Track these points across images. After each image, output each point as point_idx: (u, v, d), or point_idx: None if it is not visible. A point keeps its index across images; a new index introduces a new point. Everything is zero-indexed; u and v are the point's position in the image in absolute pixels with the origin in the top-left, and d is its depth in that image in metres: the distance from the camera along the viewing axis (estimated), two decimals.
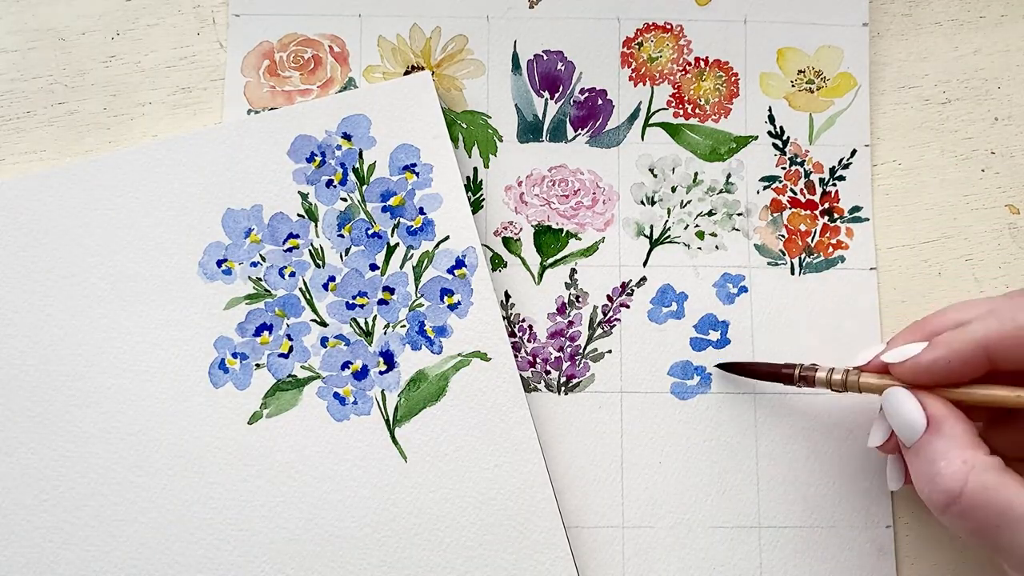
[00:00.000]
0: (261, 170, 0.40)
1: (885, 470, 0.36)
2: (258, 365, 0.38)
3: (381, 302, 0.39)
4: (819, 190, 0.42)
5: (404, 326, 0.39)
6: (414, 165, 0.40)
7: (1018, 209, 0.42)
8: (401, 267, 0.39)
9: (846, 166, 0.42)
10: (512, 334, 0.40)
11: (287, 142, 0.40)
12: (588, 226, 0.41)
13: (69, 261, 0.39)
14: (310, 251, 0.39)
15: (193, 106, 0.41)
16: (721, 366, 0.39)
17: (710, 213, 0.41)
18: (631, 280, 0.41)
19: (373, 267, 0.39)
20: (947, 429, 0.31)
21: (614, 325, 0.40)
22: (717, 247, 0.41)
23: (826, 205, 0.41)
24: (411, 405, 0.38)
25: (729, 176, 0.41)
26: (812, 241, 0.41)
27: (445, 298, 0.39)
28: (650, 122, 0.42)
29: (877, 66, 0.43)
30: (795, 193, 0.41)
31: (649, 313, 0.40)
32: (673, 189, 0.41)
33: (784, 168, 0.42)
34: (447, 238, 0.39)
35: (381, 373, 0.39)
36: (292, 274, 0.39)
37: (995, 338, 0.31)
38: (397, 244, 0.39)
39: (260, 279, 0.39)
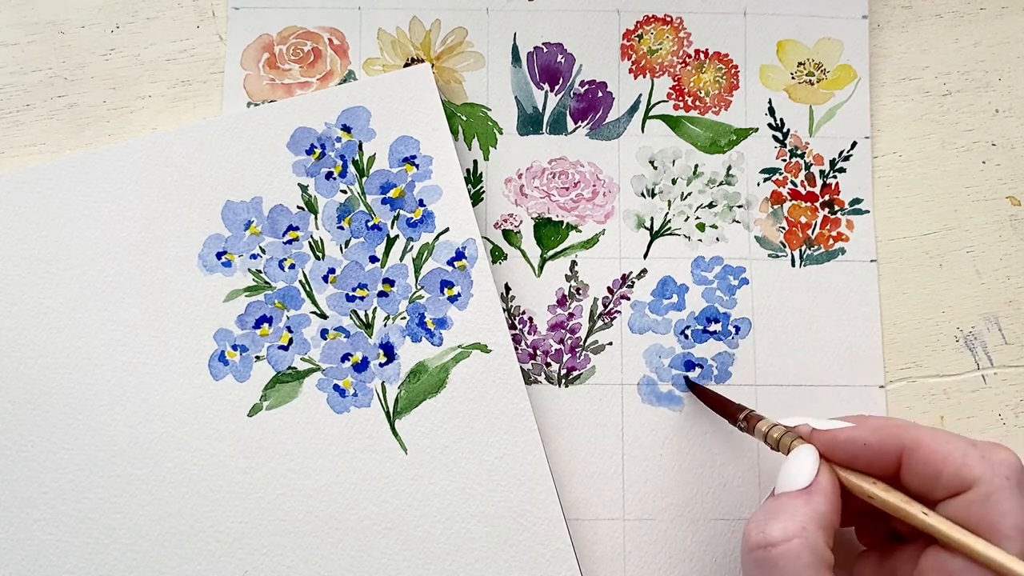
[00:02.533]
0: (261, 162, 0.40)
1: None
2: (258, 357, 0.38)
3: (381, 294, 0.39)
4: (819, 182, 0.41)
5: (404, 318, 0.39)
6: (414, 157, 0.40)
7: (1019, 201, 0.42)
8: (401, 259, 0.39)
9: (846, 158, 0.42)
10: (512, 326, 0.40)
11: (287, 134, 0.40)
12: (588, 218, 0.41)
13: (69, 254, 0.39)
14: (310, 243, 0.39)
15: (193, 99, 0.41)
16: (688, 383, 0.39)
17: (710, 205, 0.41)
18: (632, 272, 0.41)
19: (373, 259, 0.39)
20: (815, 501, 0.30)
21: (614, 317, 0.40)
22: (718, 239, 0.41)
23: (826, 197, 0.41)
24: (411, 397, 0.38)
25: (729, 168, 0.41)
26: (812, 233, 0.41)
27: (445, 290, 0.39)
28: (650, 114, 0.42)
29: (877, 58, 0.43)
30: (795, 185, 0.41)
31: (650, 305, 0.40)
32: (673, 181, 0.41)
33: (784, 160, 0.42)
34: (447, 230, 0.39)
35: (381, 365, 0.38)
36: (292, 266, 0.39)
37: (915, 444, 0.30)
38: (397, 236, 0.39)
39: (260, 271, 0.39)
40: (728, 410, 0.37)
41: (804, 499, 0.30)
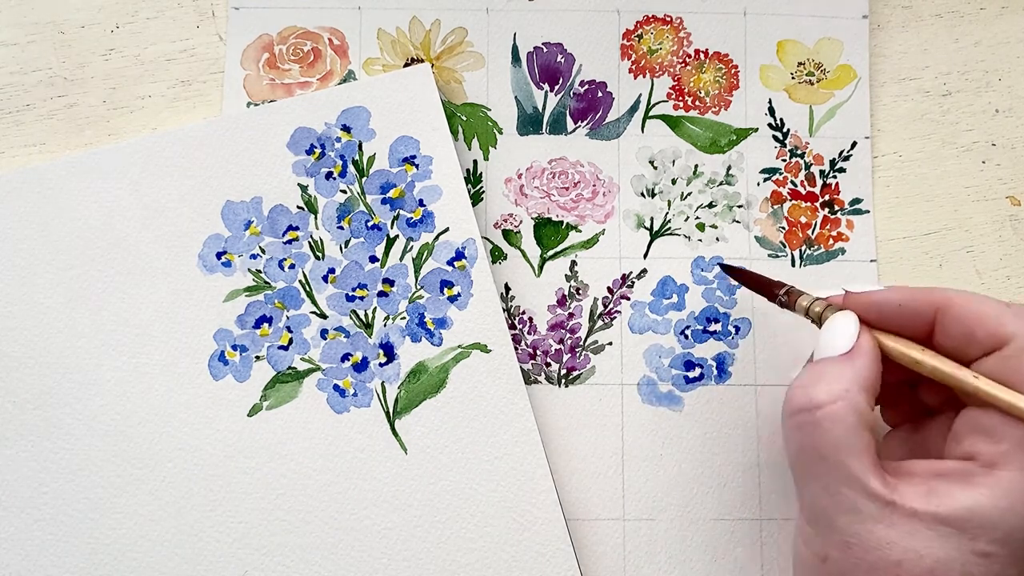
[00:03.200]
0: (261, 162, 0.40)
1: None
2: (258, 357, 0.38)
3: (381, 294, 0.39)
4: (819, 182, 0.41)
5: (404, 318, 0.39)
6: (414, 157, 0.40)
7: (1019, 201, 0.42)
8: (401, 259, 0.39)
9: (846, 158, 0.42)
10: (512, 326, 0.40)
11: (287, 134, 0.40)
12: (588, 218, 0.41)
13: (69, 254, 0.39)
14: (310, 243, 0.39)
15: (193, 99, 0.41)
16: (723, 267, 0.39)
17: (710, 205, 0.41)
18: (631, 272, 0.41)
19: (373, 259, 0.39)
20: (858, 364, 0.30)
21: (614, 317, 0.40)
22: (718, 239, 0.41)
23: (826, 197, 0.41)
24: (411, 397, 0.38)
25: (729, 168, 0.41)
26: (812, 233, 0.41)
27: (445, 290, 0.39)
28: (650, 114, 0.42)
29: (877, 58, 0.43)
30: (795, 185, 0.41)
31: (650, 305, 0.40)
32: (673, 181, 0.41)
33: (784, 160, 0.42)
34: (447, 230, 0.39)
35: (381, 365, 0.38)
36: (292, 266, 0.39)
37: (948, 304, 0.30)
38: (397, 236, 0.39)
39: (260, 271, 0.39)
40: (767, 287, 0.36)
41: (847, 362, 0.30)
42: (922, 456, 0.31)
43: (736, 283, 0.39)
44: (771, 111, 0.42)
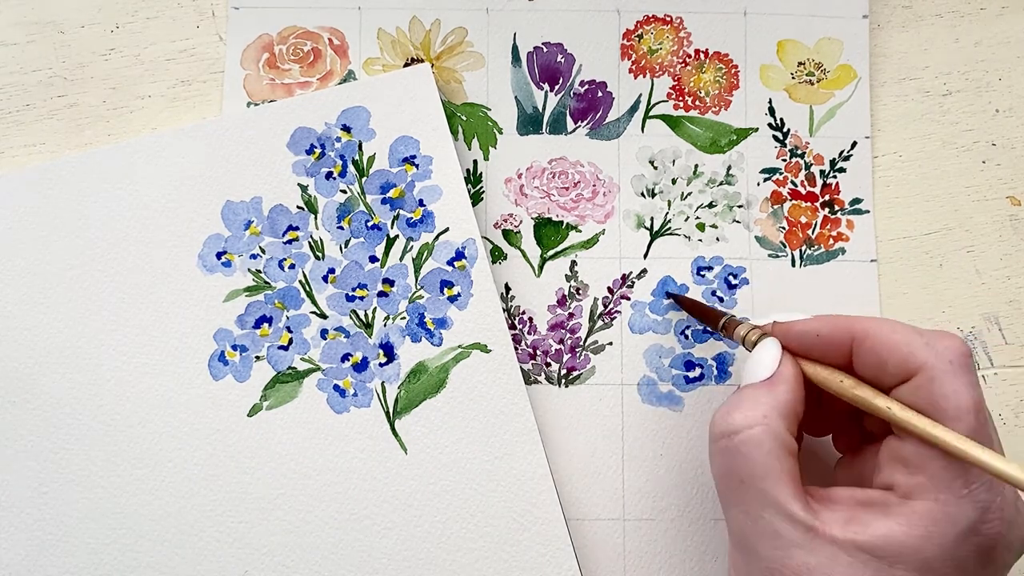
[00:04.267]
0: (261, 162, 0.40)
1: None
2: (258, 357, 0.38)
3: (381, 294, 0.39)
4: (820, 182, 0.41)
5: (404, 318, 0.39)
6: (414, 157, 0.40)
7: (1019, 201, 0.42)
8: (401, 259, 0.39)
9: (847, 158, 0.42)
10: (512, 326, 0.40)
11: (287, 134, 0.40)
12: (588, 218, 0.41)
13: (69, 254, 0.39)
14: (310, 243, 0.39)
15: (193, 99, 0.41)
16: (670, 295, 0.40)
17: (711, 205, 0.41)
18: (632, 272, 0.41)
19: (373, 259, 0.39)
20: (777, 391, 0.31)
21: (615, 317, 0.40)
22: (718, 239, 0.41)
23: (827, 197, 0.41)
24: (411, 397, 0.38)
25: (729, 168, 0.41)
26: (813, 233, 0.41)
27: (445, 290, 0.39)
28: (650, 114, 0.42)
29: (877, 58, 0.43)
30: (796, 185, 0.41)
31: (650, 305, 0.40)
32: (673, 181, 0.41)
33: (784, 160, 0.42)
34: (447, 230, 0.39)
35: (381, 365, 0.38)
36: (292, 266, 0.39)
37: (863, 334, 0.30)
38: (397, 236, 0.39)
39: (260, 271, 0.39)
40: (710, 317, 0.37)
41: (766, 388, 0.31)
42: (863, 482, 0.31)
43: (682, 311, 0.40)
44: (771, 111, 0.42)
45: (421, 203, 0.39)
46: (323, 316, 0.39)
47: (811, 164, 0.42)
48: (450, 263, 0.39)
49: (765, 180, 0.41)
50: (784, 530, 0.29)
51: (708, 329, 0.40)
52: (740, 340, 0.34)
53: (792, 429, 0.30)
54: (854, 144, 0.42)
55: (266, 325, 0.39)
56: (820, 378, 0.32)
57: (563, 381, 0.39)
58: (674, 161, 0.41)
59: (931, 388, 0.28)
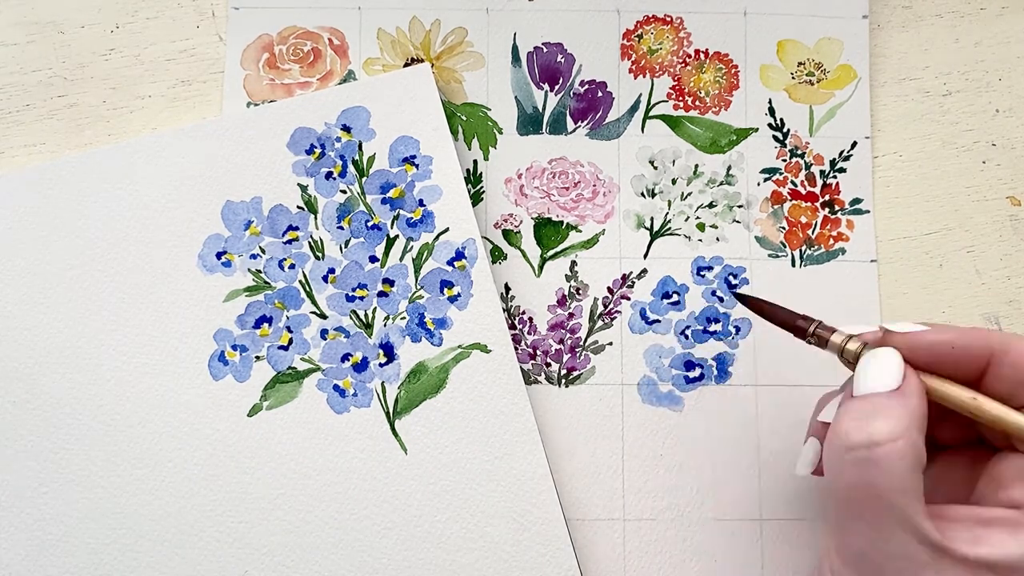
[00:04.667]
0: (261, 162, 0.40)
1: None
2: (258, 357, 0.38)
3: (381, 294, 0.39)
4: (820, 182, 0.41)
5: (404, 318, 0.39)
6: (414, 157, 0.40)
7: (1019, 201, 0.42)
8: (401, 259, 0.39)
9: (847, 158, 0.42)
10: (512, 326, 0.40)
11: (287, 134, 0.40)
12: (588, 218, 0.41)
13: (68, 254, 0.39)
14: (310, 243, 0.39)
15: (193, 99, 0.41)
16: (737, 295, 0.36)
17: (711, 205, 0.41)
18: (632, 272, 0.41)
19: (373, 259, 0.39)
20: (911, 403, 0.29)
21: (615, 317, 0.40)
22: (718, 239, 0.41)
23: (827, 197, 0.41)
24: (411, 397, 0.38)
25: (729, 168, 0.41)
26: (813, 233, 0.41)
27: (445, 290, 0.39)
28: (650, 114, 0.42)
29: (877, 58, 0.43)
30: (796, 185, 0.41)
31: (650, 305, 0.40)
32: (673, 181, 0.41)
33: (784, 160, 0.42)
34: (447, 230, 0.39)
35: (381, 365, 0.38)
36: (292, 266, 0.39)
37: (1005, 348, 0.29)
38: (397, 236, 0.39)
39: (260, 271, 0.39)
40: (791, 321, 0.33)
41: (901, 400, 0.29)
42: (959, 495, 0.30)
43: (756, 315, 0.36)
44: (771, 111, 0.42)
45: (421, 203, 0.39)
46: (323, 316, 0.39)
47: (811, 164, 0.42)
48: (450, 263, 0.39)
49: (765, 180, 0.41)
50: (915, 550, 0.27)
51: (708, 329, 0.40)
52: (838, 351, 0.32)
53: (924, 444, 0.29)
54: (854, 144, 0.42)
55: (266, 325, 0.39)
56: (949, 395, 0.30)
57: (563, 381, 0.39)
58: (674, 161, 0.41)
59: None
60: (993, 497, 0.29)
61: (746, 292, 0.38)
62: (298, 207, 0.39)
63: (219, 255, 0.39)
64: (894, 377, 0.29)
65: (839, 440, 0.29)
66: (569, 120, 0.42)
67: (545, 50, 0.42)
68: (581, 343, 0.40)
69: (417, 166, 0.40)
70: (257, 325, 0.39)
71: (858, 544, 0.29)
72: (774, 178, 0.41)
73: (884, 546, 0.28)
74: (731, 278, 0.40)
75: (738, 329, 0.40)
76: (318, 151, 0.40)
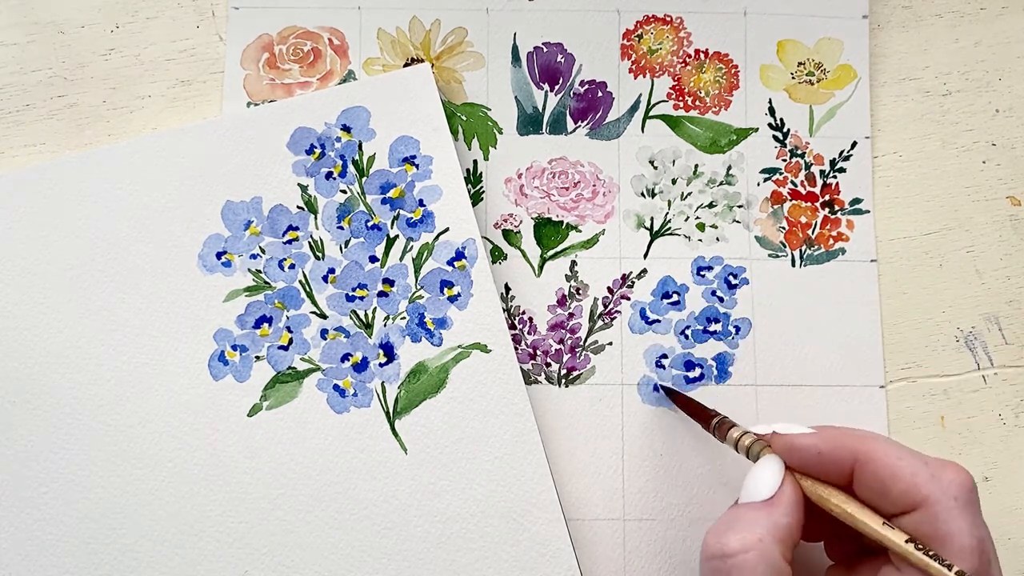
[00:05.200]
0: (261, 162, 0.40)
1: None
2: (258, 357, 0.38)
3: (381, 294, 0.39)
4: (820, 182, 0.41)
5: (404, 318, 0.39)
6: (414, 157, 0.40)
7: (1019, 201, 0.42)
8: (401, 259, 0.39)
9: (847, 158, 0.42)
10: (512, 326, 0.40)
11: (287, 134, 0.40)
12: (588, 218, 0.41)
13: (69, 254, 0.39)
14: (310, 243, 0.39)
15: (193, 99, 0.41)
16: (663, 388, 0.39)
17: (711, 205, 0.41)
18: (631, 272, 0.41)
19: (373, 259, 0.39)
20: (776, 513, 0.30)
21: (615, 317, 0.40)
22: (718, 239, 0.41)
23: (827, 197, 0.41)
24: (411, 397, 0.38)
25: (729, 168, 0.41)
26: (813, 233, 0.41)
27: (445, 290, 0.39)
28: (650, 114, 0.42)
29: (877, 58, 0.43)
30: (796, 185, 0.41)
31: (650, 305, 0.40)
32: (673, 181, 0.41)
33: (784, 160, 0.42)
34: (447, 230, 0.39)
35: (381, 365, 0.38)
36: (292, 266, 0.39)
37: (867, 457, 0.30)
38: (397, 236, 0.39)
39: (260, 271, 0.39)
40: (701, 415, 0.36)
41: (765, 511, 0.30)
42: None
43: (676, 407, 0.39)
44: (771, 111, 0.42)
45: (421, 203, 0.39)
46: (323, 316, 0.39)
47: (811, 164, 0.42)
48: (450, 263, 0.39)
49: (765, 180, 0.41)
50: None
51: (708, 329, 0.40)
52: (734, 446, 0.34)
53: (787, 555, 0.30)
54: (854, 144, 0.42)
55: (266, 325, 0.39)
56: (819, 497, 0.31)
57: (563, 381, 0.40)
58: (674, 161, 0.41)
59: (935, 525, 0.28)
60: None
61: (672, 388, 0.39)
62: (298, 207, 0.39)
63: (219, 255, 0.39)
64: (767, 487, 0.31)
65: (702, 549, 0.31)
66: (569, 120, 0.42)
67: (545, 50, 0.42)
68: (581, 343, 0.40)
69: (417, 166, 0.40)
70: (257, 325, 0.39)
71: None
72: (774, 178, 0.41)
73: None
74: (731, 278, 0.40)
75: (738, 329, 0.40)
76: (318, 151, 0.40)
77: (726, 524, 0.30)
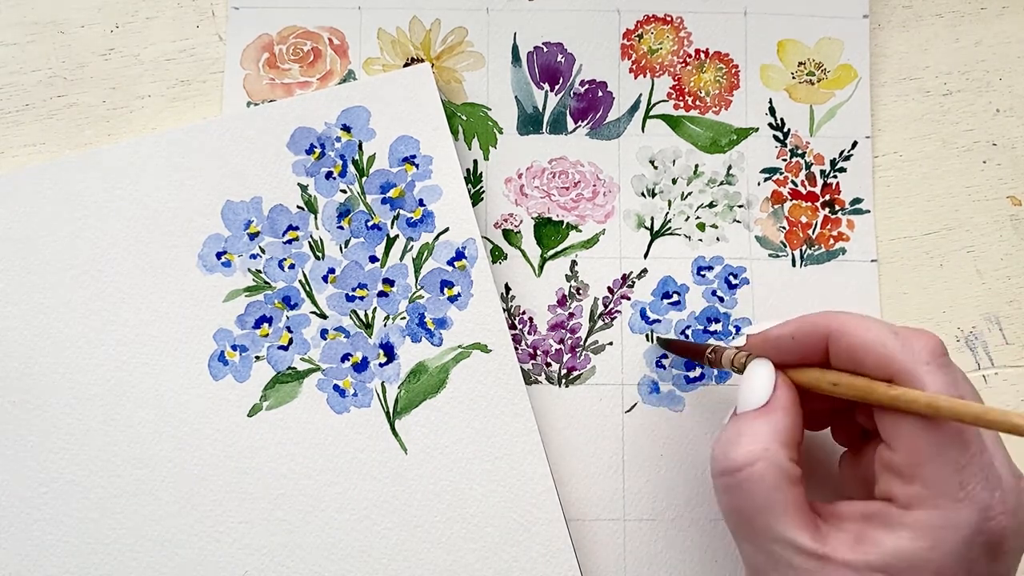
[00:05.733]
0: (261, 162, 0.40)
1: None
2: (258, 357, 0.38)
3: (381, 294, 0.39)
4: (820, 182, 0.41)
5: (404, 318, 0.39)
6: (414, 157, 0.40)
7: (1020, 200, 0.42)
8: (401, 259, 0.39)
9: (847, 158, 0.42)
10: (512, 326, 0.40)
11: (286, 134, 0.40)
12: (588, 218, 0.41)
13: (68, 254, 0.39)
14: (310, 243, 0.39)
15: (192, 99, 0.41)
16: (660, 339, 0.39)
17: (711, 205, 0.41)
18: (632, 272, 0.40)
19: (373, 259, 0.39)
20: (774, 419, 0.30)
21: (615, 317, 0.40)
22: (718, 239, 0.41)
23: (827, 197, 0.41)
24: (411, 397, 0.38)
25: (730, 168, 0.41)
26: (813, 233, 0.41)
27: (445, 290, 0.39)
28: (650, 114, 0.42)
29: (878, 58, 0.43)
30: (796, 185, 0.41)
31: (650, 305, 0.40)
32: (674, 181, 0.41)
33: (785, 160, 0.42)
34: (447, 230, 0.39)
35: (381, 365, 0.38)
36: (292, 266, 0.39)
37: (838, 331, 0.30)
38: (397, 236, 0.39)
39: (260, 271, 0.39)
40: (697, 353, 0.37)
41: (764, 418, 0.30)
42: (869, 482, 0.31)
43: (674, 355, 0.39)
44: (771, 111, 0.42)
45: (421, 203, 0.39)
46: (323, 316, 0.39)
47: (811, 164, 0.42)
48: (450, 263, 0.39)
49: (765, 180, 0.41)
50: (796, 561, 0.28)
51: (708, 329, 0.40)
52: (729, 366, 0.34)
53: (793, 456, 0.30)
54: (854, 144, 0.42)
55: (266, 325, 0.39)
56: (808, 383, 0.31)
57: (563, 381, 0.39)
58: (674, 161, 0.41)
59: (909, 396, 0.28)
60: (876, 489, 0.30)
61: (667, 337, 0.40)
62: (298, 207, 0.39)
63: (219, 255, 0.39)
64: (760, 393, 0.31)
65: (711, 466, 0.31)
66: (569, 120, 0.42)
67: (545, 50, 0.42)
68: (581, 343, 0.40)
69: (417, 166, 0.40)
70: (257, 325, 0.39)
71: (749, 558, 0.30)
72: (774, 178, 0.41)
73: (767, 559, 0.29)
74: (731, 278, 0.40)
75: (738, 329, 0.40)
76: (318, 151, 0.40)
77: (729, 438, 0.31)
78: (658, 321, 0.40)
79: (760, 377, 0.31)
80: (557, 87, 0.42)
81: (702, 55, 0.42)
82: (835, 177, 0.41)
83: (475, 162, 0.41)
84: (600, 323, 0.40)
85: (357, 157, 0.40)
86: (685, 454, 0.39)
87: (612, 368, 0.40)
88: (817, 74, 0.42)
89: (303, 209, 0.39)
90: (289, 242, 0.39)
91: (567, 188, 0.41)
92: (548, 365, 0.40)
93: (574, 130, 0.41)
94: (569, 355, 0.40)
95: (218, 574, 0.37)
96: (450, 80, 0.41)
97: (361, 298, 0.39)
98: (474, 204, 0.40)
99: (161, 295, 0.39)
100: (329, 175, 0.40)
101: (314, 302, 0.39)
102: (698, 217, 0.41)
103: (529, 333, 0.40)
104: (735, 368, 0.33)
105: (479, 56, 0.42)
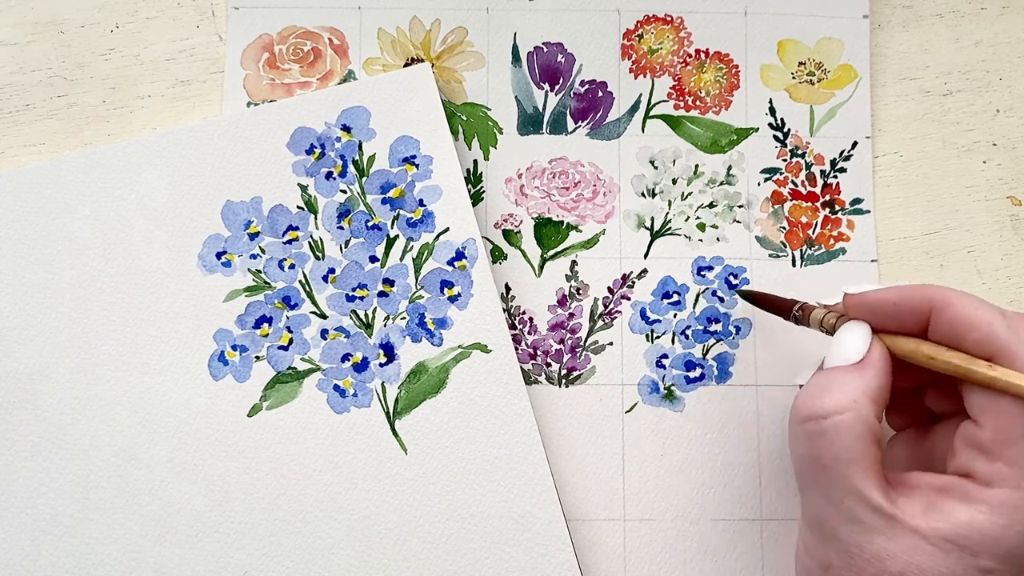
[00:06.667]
0: (261, 162, 0.40)
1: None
2: (258, 357, 0.38)
3: (381, 294, 0.39)
4: (820, 182, 0.41)
5: (404, 318, 0.39)
6: (414, 157, 0.40)
7: (1020, 200, 0.42)
8: (401, 259, 0.39)
9: (847, 158, 0.42)
10: (512, 326, 0.40)
11: (287, 134, 0.40)
12: (589, 218, 0.41)
13: (68, 254, 0.39)
14: (310, 243, 0.39)
15: (193, 99, 0.41)
16: (740, 293, 0.39)
17: (711, 205, 0.41)
18: (632, 272, 0.40)
19: (373, 259, 0.39)
20: (868, 375, 0.30)
21: (615, 317, 0.40)
22: (718, 239, 0.41)
23: (827, 197, 0.41)
24: (411, 397, 0.38)
25: (730, 168, 0.41)
26: (813, 233, 0.41)
27: (445, 290, 0.39)
28: (650, 114, 0.42)
29: (878, 58, 0.43)
30: (796, 185, 0.41)
31: (650, 305, 0.40)
32: (674, 181, 0.41)
33: (785, 160, 0.42)
34: (447, 230, 0.39)
35: (381, 365, 0.38)
36: (292, 266, 0.39)
37: (944, 304, 0.30)
38: (397, 236, 0.39)
39: (260, 271, 0.39)
40: (782, 306, 0.36)
41: (857, 372, 0.30)
42: (925, 462, 0.31)
43: (754, 306, 0.39)
44: (772, 111, 0.42)
45: (421, 203, 0.39)
46: (323, 316, 0.39)
47: (812, 164, 0.42)
48: (450, 263, 0.39)
49: (765, 180, 0.41)
50: (865, 516, 0.28)
51: (708, 329, 0.40)
52: (818, 325, 0.33)
53: (879, 415, 0.30)
54: (854, 144, 0.42)
55: (266, 325, 0.39)
56: (904, 352, 0.31)
57: (563, 381, 0.39)
58: (674, 161, 0.41)
59: (1008, 377, 0.28)
60: (951, 465, 0.30)
61: (749, 290, 0.40)
62: (298, 207, 0.39)
63: (219, 255, 0.39)
64: (857, 350, 0.31)
65: (794, 413, 0.31)
66: (569, 120, 0.42)
67: (545, 50, 0.42)
68: (581, 343, 0.40)
69: (417, 166, 0.40)
70: (257, 325, 0.39)
71: (814, 509, 0.30)
72: (774, 178, 0.41)
73: (836, 512, 0.29)
74: (731, 278, 0.40)
75: (738, 329, 0.40)
76: (318, 151, 0.40)
77: (818, 387, 0.30)
78: (658, 321, 0.40)
79: (857, 335, 0.31)
80: (557, 87, 0.42)
81: (702, 55, 0.42)
82: (835, 177, 0.41)
83: (475, 162, 0.41)
84: (600, 323, 0.40)
85: (357, 157, 0.40)
86: (685, 454, 0.39)
87: (612, 368, 0.40)
88: (817, 74, 0.42)
89: (303, 209, 0.39)
90: (289, 242, 0.39)
91: (567, 188, 0.41)
92: (548, 365, 0.40)
93: (574, 130, 0.41)
94: (569, 355, 0.40)
95: (218, 574, 0.37)
96: (450, 80, 0.41)
97: (361, 298, 0.39)
98: (474, 204, 0.40)
99: (161, 295, 0.39)
100: (329, 175, 0.40)
101: (314, 302, 0.39)
102: (698, 217, 0.41)
103: (529, 333, 0.40)
104: (823, 328, 0.33)
105: (479, 56, 0.42)
